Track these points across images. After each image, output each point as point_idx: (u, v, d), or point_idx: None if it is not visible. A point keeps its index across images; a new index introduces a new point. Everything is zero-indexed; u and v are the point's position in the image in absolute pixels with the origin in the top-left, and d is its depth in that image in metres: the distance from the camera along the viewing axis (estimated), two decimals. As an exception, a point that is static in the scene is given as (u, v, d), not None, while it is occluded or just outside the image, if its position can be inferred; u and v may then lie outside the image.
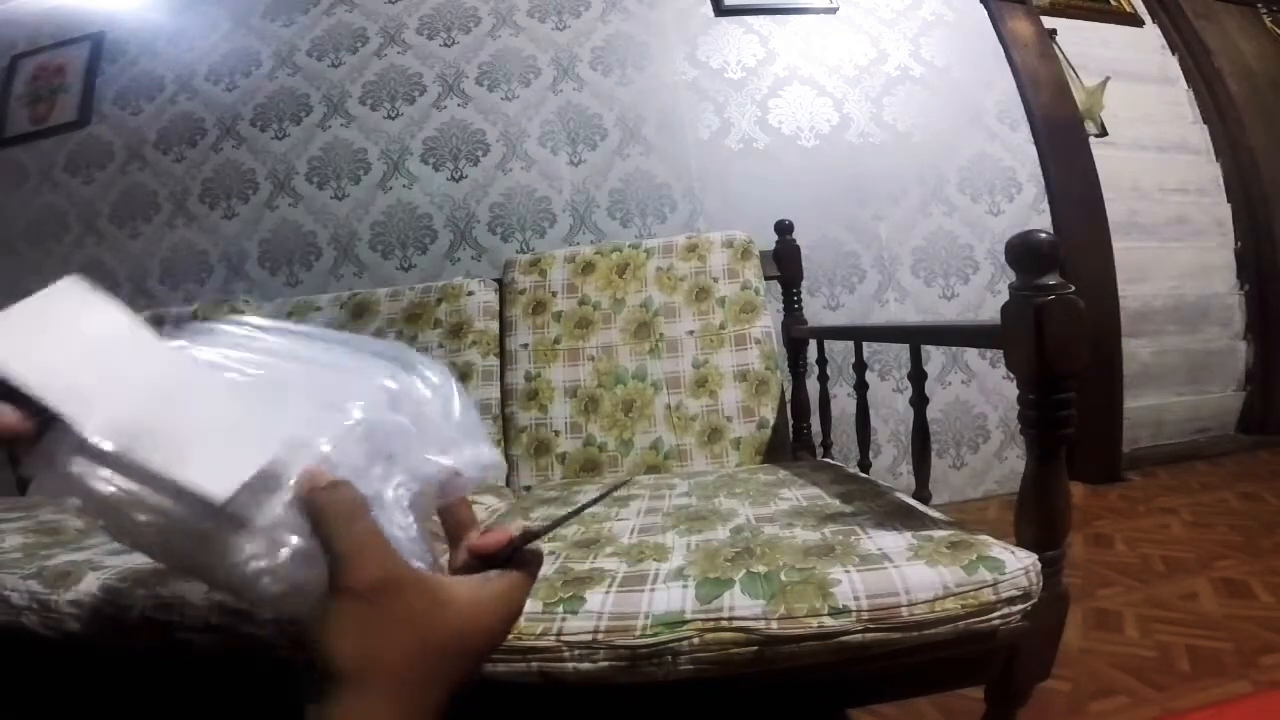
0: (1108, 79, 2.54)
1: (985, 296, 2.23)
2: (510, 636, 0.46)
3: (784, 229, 1.59)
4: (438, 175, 2.13)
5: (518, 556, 0.37)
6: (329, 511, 0.31)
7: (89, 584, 0.85)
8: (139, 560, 0.93)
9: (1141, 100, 2.69)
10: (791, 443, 1.47)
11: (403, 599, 0.31)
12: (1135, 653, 1.17)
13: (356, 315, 1.61)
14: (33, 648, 0.85)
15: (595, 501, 0.44)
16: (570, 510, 0.42)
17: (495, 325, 1.57)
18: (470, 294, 1.58)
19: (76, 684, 0.89)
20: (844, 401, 2.03)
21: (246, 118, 2.18)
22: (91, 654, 0.83)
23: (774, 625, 0.65)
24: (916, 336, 1.10)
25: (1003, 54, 2.38)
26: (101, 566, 0.89)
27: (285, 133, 2.16)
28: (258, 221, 2.13)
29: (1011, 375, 0.73)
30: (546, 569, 0.76)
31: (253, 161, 2.16)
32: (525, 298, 1.54)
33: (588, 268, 1.54)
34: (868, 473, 1.20)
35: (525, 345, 1.50)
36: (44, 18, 2.35)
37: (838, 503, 0.94)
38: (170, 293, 2.13)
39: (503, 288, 1.60)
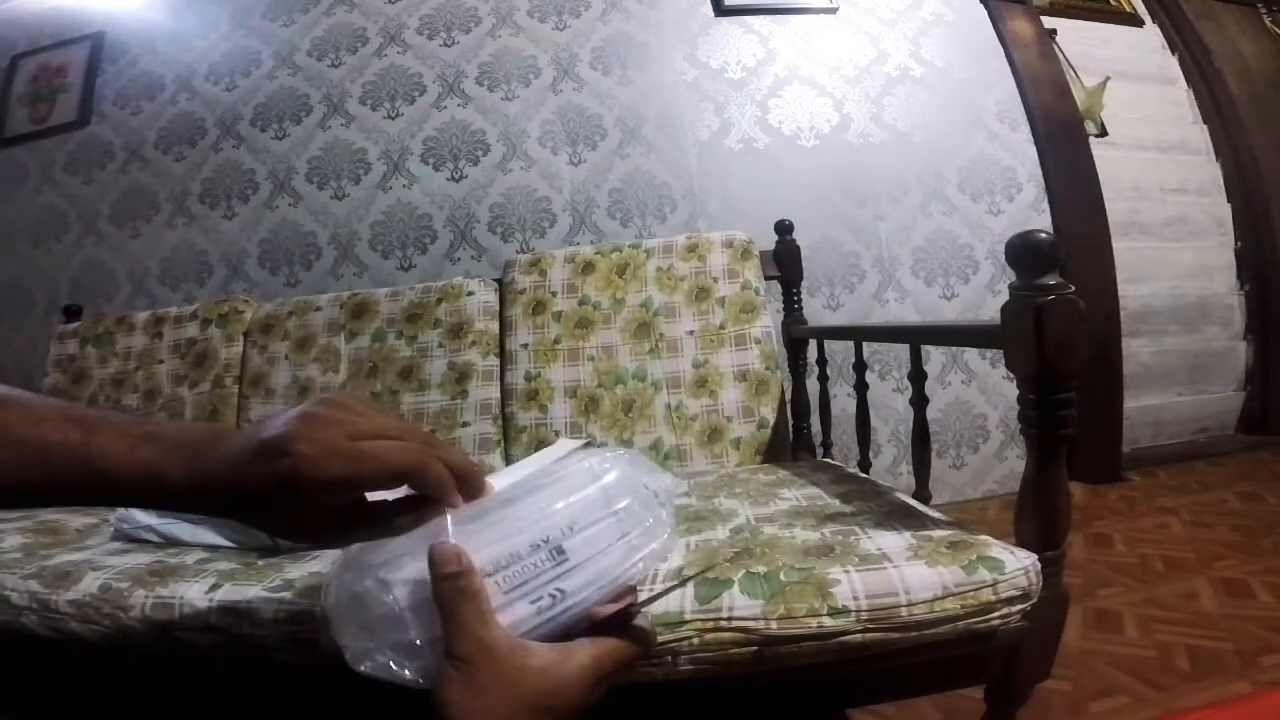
0: (1108, 79, 2.54)
1: (985, 296, 2.23)
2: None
3: (784, 229, 1.59)
4: (438, 175, 2.13)
5: (625, 623, 0.42)
6: (443, 595, 0.38)
7: (89, 584, 0.85)
8: (139, 560, 0.93)
9: (1141, 100, 2.69)
10: (791, 443, 1.47)
11: (495, 664, 0.37)
12: (1135, 653, 1.17)
13: (356, 315, 1.60)
14: (33, 648, 0.85)
15: (698, 575, 0.52)
16: (673, 584, 0.50)
17: (495, 325, 1.57)
18: (470, 294, 1.58)
19: (76, 684, 0.89)
20: (844, 401, 2.04)
21: (246, 118, 2.18)
22: (92, 654, 0.83)
23: (773, 625, 0.65)
24: (916, 336, 1.10)
25: (1003, 54, 2.38)
26: (101, 566, 0.89)
27: (285, 133, 2.17)
28: (258, 221, 2.14)
29: (1011, 375, 0.73)
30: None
31: (253, 161, 2.16)
32: (525, 298, 1.54)
33: (588, 268, 1.54)
34: (868, 473, 1.20)
35: (525, 345, 1.50)
36: (44, 18, 2.35)
37: (837, 503, 0.94)
38: (170, 293, 2.13)
39: (503, 288, 1.60)
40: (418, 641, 0.39)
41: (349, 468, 0.38)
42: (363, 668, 0.40)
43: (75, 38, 2.31)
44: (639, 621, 0.44)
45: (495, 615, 0.39)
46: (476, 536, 0.40)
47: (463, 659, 0.36)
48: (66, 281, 2.18)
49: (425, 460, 0.40)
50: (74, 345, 1.75)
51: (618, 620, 0.42)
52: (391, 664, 0.39)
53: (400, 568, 0.40)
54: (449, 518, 0.41)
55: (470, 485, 0.43)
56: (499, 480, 0.46)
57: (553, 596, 0.41)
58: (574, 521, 0.42)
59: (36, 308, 2.18)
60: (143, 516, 1.04)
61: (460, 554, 0.38)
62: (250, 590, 0.79)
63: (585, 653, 0.40)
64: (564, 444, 0.54)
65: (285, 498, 0.37)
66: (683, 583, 0.47)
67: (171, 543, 1.02)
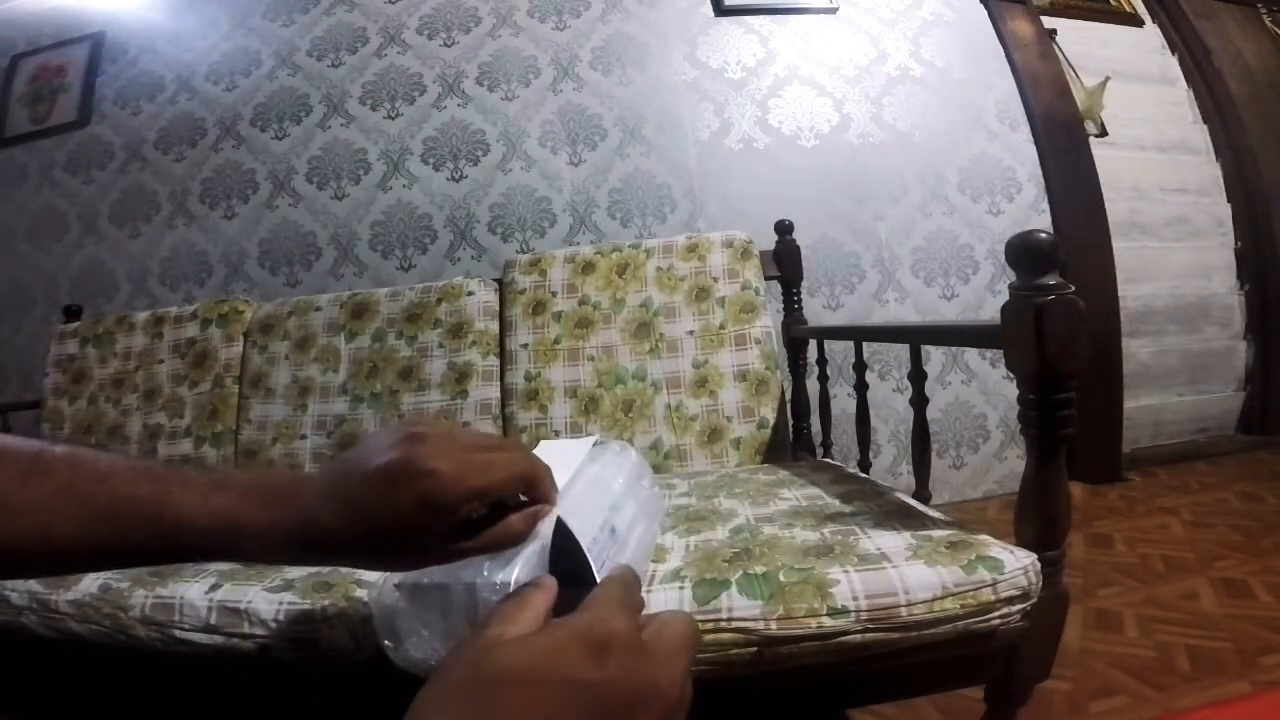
0: (1108, 79, 2.54)
1: (985, 296, 2.23)
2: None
3: (784, 229, 1.59)
4: (438, 175, 2.13)
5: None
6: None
7: (89, 584, 0.85)
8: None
9: (1141, 100, 2.69)
10: (791, 443, 1.47)
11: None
12: (1135, 653, 1.17)
13: (356, 315, 1.60)
14: (33, 648, 0.85)
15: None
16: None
17: (495, 325, 1.57)
18: (470, 294, 1.58)
19: (76, 684, 0.89)
20: (844, 401, 2.03)
21: (246, 118, 2.18)
22: (91, 654, 0.83)
23: (773, 626, 0.65)
24: (916, 336, 1.10)
25: (1003, 54, 2.38)
26: (101, 566, 0.89)
27: (285, 133, 2.17)
28: (258, 221, 2.14)
29: (1011, 375, 0.73)
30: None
31: (253, 161, 2.16)
32: (525, 298, 1.54)
33: (588, 268, 1.54)
34: (868, 473, 1.20)
35: (525, 345, 1.50)
36: (44, 18, 2.35)
37: (837, 503, 0.94)
38: (170, 293, 2.13)
39: (503, 288, 1.60)
40: None
41: (485, 478, 0.37)
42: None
43: (75, 38, 2.31)
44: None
45: None
46: (582, 533, 0.42)
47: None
48: (66, 281, 2.18)
49: (538, 466, 0.42)
50: (74, 345, 1.75)
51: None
52: None
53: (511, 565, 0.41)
54: (560, 514, 0.42)
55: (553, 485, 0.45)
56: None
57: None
58: (618, 503, 0.47)
59: (36, 308, 2.18)
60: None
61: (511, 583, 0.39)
62: (250, 590, 0.79)
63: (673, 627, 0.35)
64: (582, 443, 0.57)
65: (427, 521, 0.36)
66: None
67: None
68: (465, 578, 0.40)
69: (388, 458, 0.37)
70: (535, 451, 0.52)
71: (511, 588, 0.38)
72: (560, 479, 0.46)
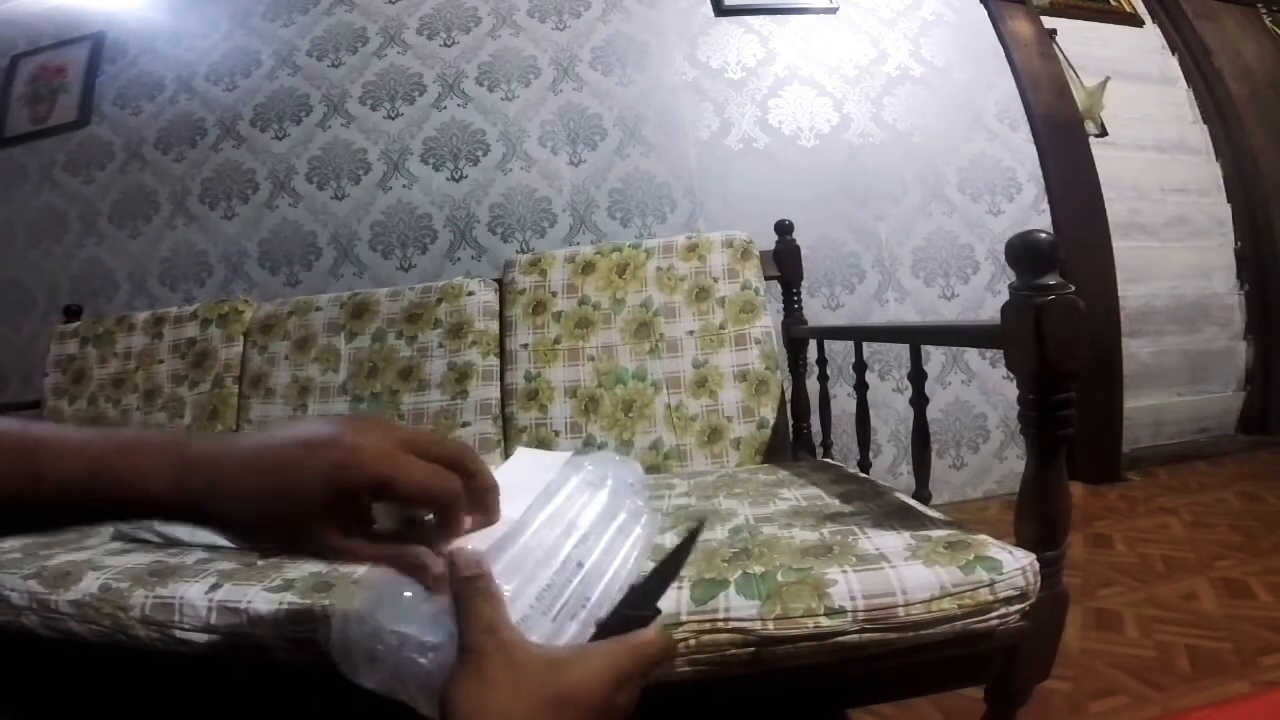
0: (1108, 79, 2.54)
1: (985, 296, 2.23)
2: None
3: (784, 229, 1.59)
4: (438, 175, 2.13)
5: (629, 624, 0.42)
6: (462, 594, 0.38)
7: (89, 584, 0.85)
8: (139, 560, 0.93)
9: (1141, 100, 2.69)
10: (791, 443, 1.47)
11: (506, 657, 0.36)
12: (1135, 653, 1.17)
13: (356, 315, 1.61)
14: (33, 648, 0.85)
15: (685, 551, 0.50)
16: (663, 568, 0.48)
17: (495, 325, 1.57)
18: (470, 294, 1.58)
19: (76, 684, 0.89)
20: (844, 401, 2.03)
21: (246, 118, 2.18)
22: (91, 654, 0.83)
23: (770, 626, 0.65)
24: (916, 337, 1.10)
25: (1003, 54, 2.38)
26: (101, 566, 0.90)
27: (285, 133, 2.17)
28: (258, 221, 2.14)
29: (1011, 375, 0.73)
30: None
31: (253, 161, 2.16)
32: (525, 298, 1.54)
33: (588, 268, 1.54)
34: (868, 473, 1.20)
35: (525, 345, 1.50)
36: (44, 18, 2.35)
37: (837, 503, 0.94)
38: (170, 293, 2.13)
39: (503, 288, 1.60)
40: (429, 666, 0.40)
41: (398, 471, 0.38)
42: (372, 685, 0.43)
43: (75, 38, 2.31)
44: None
45: (548, 639, 0.40)
46: (517, 575, 0.42)
47: (475, 650, 0.36)
48: (66, 281, 2.18)
49: (455, 492, 0.41)
50: (74, 345, 1.75)
51: (622, 622, 0.42)
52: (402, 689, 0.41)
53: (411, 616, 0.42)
54: (487, 552, 0.42)
55: (487, 508, 0.44)
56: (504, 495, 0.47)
57: (583, 605, 0.43)
58: (588, 535, 0.45)
59: (36, 308, 2.18)
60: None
61: (481, 560, 0.40)
62: (250, 590, 0.79)
63: (601, 650, 0.40)
64: (556, 457, 0.55)
65: (329, 496, 0.37)
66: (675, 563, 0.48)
67: (171, 543, 1.02)
68: (398, 627, 0.41)
69: (316, 429, 0.39)
70: (508, 462, 0.53)
71: (418, 639, 0.40)
72: (519, 503, 0.46)
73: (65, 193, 2.22)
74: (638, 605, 0.43)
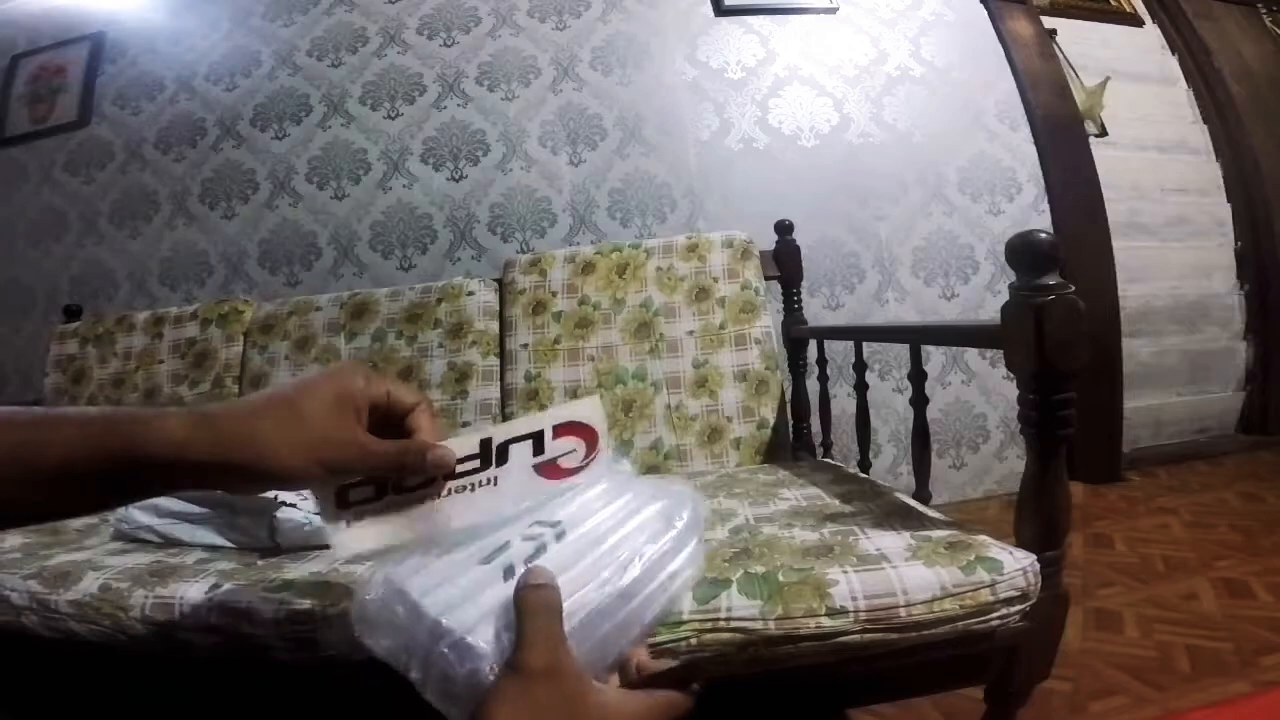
0: (1108, 79, 2.54)
1: (985, 296, 2.23)
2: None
3: (784, 229, 1.59)
4: (438, 175, 2.13)
5: (676, 682, 0.44)
6: (527, 604, 0.39)
7: (89, 584, 0.85)
8: (139, 560, 0.93)
9: (1141, 100, 2.69)
10: (791, 443, 1.47)
11: (560, 687, 0.36)
12: (1135, 653, 1.17)
13: (356, 315, 1.61)
14: (33, 648, 0.85)
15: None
16: None
17: (495, 325, 1.57)
18: (470, 294, 1.58)
19: (76, 684, 0.89)
20: (844, 401, 2.03)
21: (246, 118, 2.18)
22: (92, 654, 0.83)
23: (771, 626, 0.65)
24: (916, 336, 1.10)
25: (1003, 54, 2.38)
26: (101, 566, 0.89)
27: (285, 133, 2.17)
28: (257, 221, 2.14)
29: (1011, 375, 0.73)
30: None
31: (253, 161, 2.16)
32: (525, 298, 1.54)
33: (588, 268, 1.54)
34: (868, 473, 1.20)
35: (525, 345, 1.50)
36: (44, 18, 2.35)
37: (837, 503, 0.94)
38: (170, 293, 2.13)
39: (503, 288, 1.60)
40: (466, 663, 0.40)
41: (384, 388, 0.46)
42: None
43: (75, 38, 2.31)
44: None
45: (586, 658, 0.41)
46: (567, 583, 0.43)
47: (531, 672, 0.36)
48: (66, 281, 2.18)
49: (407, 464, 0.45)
50: (74, 345, 1.75)
51: (668, 679, 0.44)
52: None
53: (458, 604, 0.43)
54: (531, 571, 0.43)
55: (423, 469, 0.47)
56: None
57: (624, 633, 0.45)
58: (639, 555, 0.47)
59: (36, 308, 2.18)
60: (142, 516, 1.04)
61: (549, 573, 0.41)
62: (250, 590, 0.79)
63: (643, 700, 0.41)
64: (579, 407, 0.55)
65: (341, 411, 0.42)
66: None
67: (171, 543, 1.02)
68: (433, 610, 0.42)
69: (301, 378, 0.44)
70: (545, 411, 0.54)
71: (462, 639, 0.40)
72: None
73: (65, 193, 2.21)
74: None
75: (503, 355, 1.53)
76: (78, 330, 1.77)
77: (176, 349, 1.68)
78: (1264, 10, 3.03)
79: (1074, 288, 0.64)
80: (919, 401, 1.02)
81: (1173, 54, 2.84)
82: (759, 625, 0.65)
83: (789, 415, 1.47)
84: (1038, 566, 0.69)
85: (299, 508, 0.96)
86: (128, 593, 0.82)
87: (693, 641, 0.65)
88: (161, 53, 2.27)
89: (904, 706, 1.06)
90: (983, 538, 0.72)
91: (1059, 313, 0.64)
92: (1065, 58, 2.53)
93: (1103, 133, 2.56)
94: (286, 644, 0.74)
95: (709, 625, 0.65)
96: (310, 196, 2.13)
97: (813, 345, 1.50)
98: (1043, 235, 0.66)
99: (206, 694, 0.83)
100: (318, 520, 0.92)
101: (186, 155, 2.19)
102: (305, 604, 0.76)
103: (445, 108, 2.16)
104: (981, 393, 2.21)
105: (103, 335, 1.74)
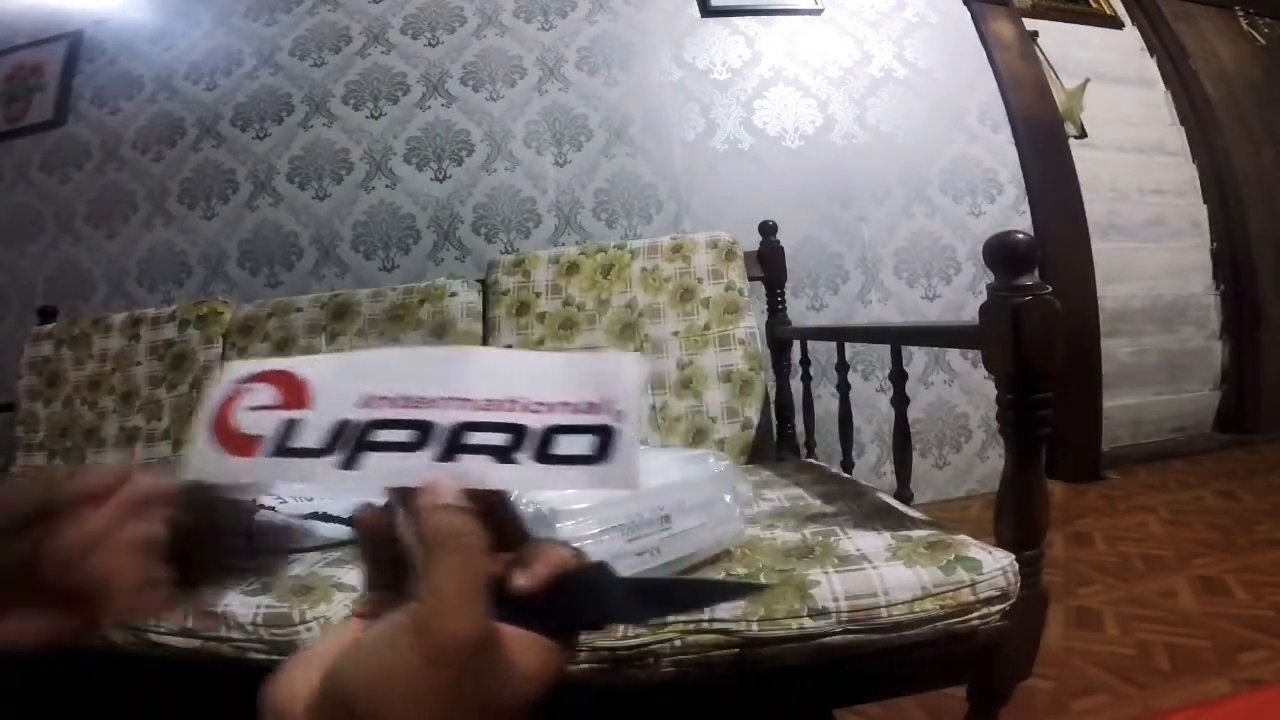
0: (1088, 81, 2.57)
1: (967, 297, 2.25)
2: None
3: (768, 230, 1.60)
4: (421, 175, 2.12)
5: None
6: (436, 532, 0.24)
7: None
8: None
9: (1121, 102, 2.72)
10: (775, 443, 1.47)
11: (488, 662, 0.24)
12: (1116, 651, 1.18)
13: (338, 316, 1.59)
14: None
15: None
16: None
17: (479, 326, 1.56)
18: (453, 295, 1.57)
19: (51, 687, 0.87)
20: (828, 402, 2.03)
21: (227, 117, 2.15)
22: (67, 657, 0.81)
23: (754, 627, 0.65)
24: (897, 337, 1.11)
25: (985, 56, 2.40)
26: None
27: (266, 132, 2.14)
28: (238, 222, 2.11)
29: (992, 375, 0.73)
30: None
31: (233, 161, 2.13)
32: (509, 299, 1.53)
33: (572, 269, 1.54)
34: (850, 473, 1.21)
35: (509, 346, 1.49)
36: (19, 16, 2.31)
37: (819, 503, 0.94)
38: (148, 294, 2.10)
39: (486, 289, 1.59)
40: None
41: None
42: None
43: (52, 36, 2.27)
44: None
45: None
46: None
47: (454, 649, 0.22)
48: (41, 282, 2.14)
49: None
50: (49, 347, 1.72)
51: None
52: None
53: None
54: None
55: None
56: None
57: (653, 553, 0.51)
58: (683, 501, 0.55)
59: (10, 309, 2.14)
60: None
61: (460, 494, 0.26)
62: (228, 594, 0.78)
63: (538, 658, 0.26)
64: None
65: None
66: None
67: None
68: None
69: None
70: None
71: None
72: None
73: (41, 192, 2.18)
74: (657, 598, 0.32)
75: (486, 356, 1.52)
76: (53, 332, 1.74)
77: (154, 351, 1.66)
78: (1240, 13, 3.08)
79: (1051, 288, 0.65)
80: (900, 402, 1.02)
81: (1152, 56, 2.88)
82: (741, 626, 0.65)
83: (773, 415, 1.48)
84: (1017, 566, 0.69)
85: (277, 510, 0.95)
86: (102, 599, 0.80)
87: (676, 643, 0.65)
88: (141, 52, 2.23)
89: (888, 706, 1.07)
90: (962, 538, 0.73)
91: (1036, 313, 0.64)
92: (1046, 60, 2.55)
93: (1082, 134, 2.58)
94: (264, 647, 0.73)
95: (692, 627, 0.65)
96: (291, 197, 2.11)
97: (796, 346, 1.50)
98: (1020, 236, 0.67)
99: (183, 697, 0.82)
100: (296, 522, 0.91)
101: (165, 155, 2.16)
102: (283, 608, 0.75)
103: (429, 108, 2.15)
104: (964, 392, 2.22)
105: (79, 337, 1.71)
